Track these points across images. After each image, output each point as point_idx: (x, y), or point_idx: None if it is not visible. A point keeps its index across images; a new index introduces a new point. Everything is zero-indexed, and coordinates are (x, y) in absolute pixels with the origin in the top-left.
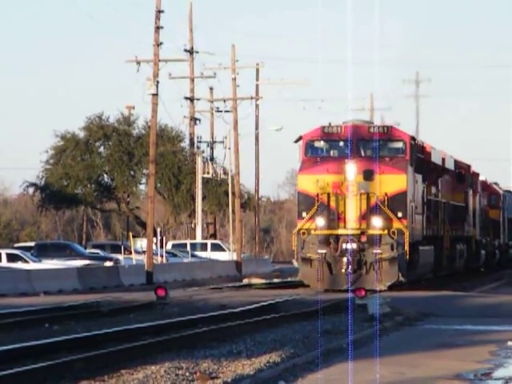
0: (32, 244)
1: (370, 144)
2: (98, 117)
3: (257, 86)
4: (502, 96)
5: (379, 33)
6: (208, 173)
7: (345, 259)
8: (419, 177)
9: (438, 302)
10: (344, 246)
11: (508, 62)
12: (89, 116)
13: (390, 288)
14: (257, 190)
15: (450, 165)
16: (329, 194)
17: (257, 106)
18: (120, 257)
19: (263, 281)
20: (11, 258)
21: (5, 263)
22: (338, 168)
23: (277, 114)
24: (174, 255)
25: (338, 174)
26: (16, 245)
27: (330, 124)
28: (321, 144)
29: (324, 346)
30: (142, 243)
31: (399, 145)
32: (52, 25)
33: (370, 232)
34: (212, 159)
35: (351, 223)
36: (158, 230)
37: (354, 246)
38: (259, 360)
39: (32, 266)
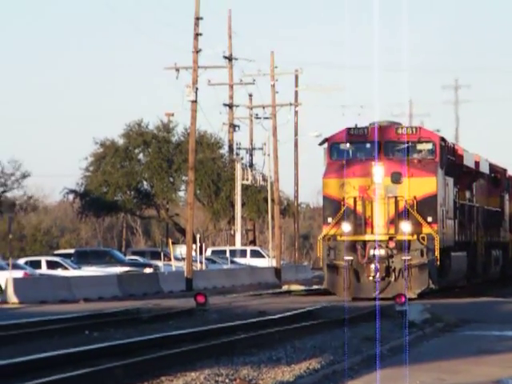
0: (72, 251)
1: (397, 146)
2: (137, 124)
3: (296, 92)
4: None
5: (419, 38)
6: (247, 179)
7: (372, 266)
8: (450, 180)
9: (477, 309)
10: (371, 252)
11: None
12: (128, 123)
13: (422, 296)
14: (296, 197)
15: (484, 168)
16: (355, 198)
17: (296, 112)
18: (160, 263)
19: (302, 287)
20: (51, 265)
21: (45, 270)
22: (364, 171)
23: (316, 121)
24: (214, 262)
25: (364, 177)
26: (56, 252)
27: (356, 126)
28: (346, 146)
29: (364, 353)
30: (181, 250)
31: (428, 146)
32: (92, 32)
33: (399, 237)
34: (251, 166)
35: (379, 228)
36: (198, 236)
37: (382, 252)
38: (299, 367)
39: (72, 272)
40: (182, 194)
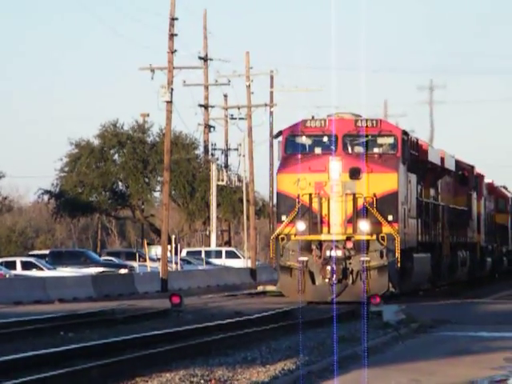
0: (47, 252)
1: (357, 139)
2: (112, 124)
3: (271, 93)
4: None
5: (396, 40)
6: (222, 180)
7: (329, 268)
8: (413, 176)
9: (451, 310)
10: (328, 253)
11: None
12: (103, 124)
13: (391, 298)
14: (271, 197)
15: (450, 165)
16: (311, 195)
17: (271, 113)
18: (135, 264)
19: None
20: (26, 265)
21: (20, 271)
22: (321, 166)
23: (291, 121)
24: (189, 262)
25: (321, 173)
26: (31, 252)
27: (312, 117)
28: (302, 140)
29: (339, 353)
30: (156, 250)
31: (390, 140)
32: (66, 32)
33: (357, 237)
34: (226, 166)
35: (336, 228)
36: (173, 237)
37: (339, 252)
38: (274, 367)
39: (47, 273)
40: (157, 194)
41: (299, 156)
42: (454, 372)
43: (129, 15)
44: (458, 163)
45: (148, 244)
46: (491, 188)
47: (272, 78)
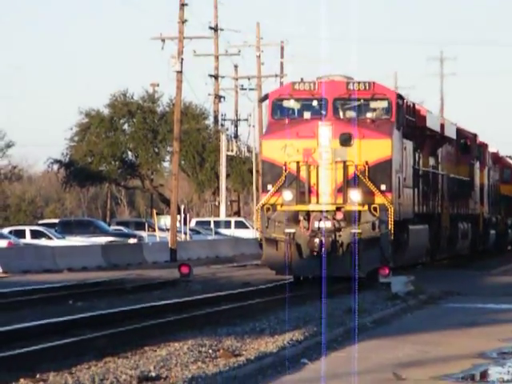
0: (56, 221)
1: (348, 103)
2: (122, 94)
3: (281, 63)
4: None
5: (404, 10)
6: (232, 150)
7: (317, 240)
8: (409, 143)
9: (459, 281)
10: (316, 224)
11: None
12: (113, 93)
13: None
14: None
15: (451, 133)
16: (298, 163)
17: (281, 83)
18: (144, 234)
19: None
20: (35, 234)
21: (29, 240)
22: (310, 131)
23: None
24: (198, 232)
25: (309, 139)
26: (40, 222)
27: (301, 80)
28: (290, 104)
29: (347, 324)
30: (165, 220)
31: (383, 104)
32: (75, 1)
33: (348, 208)
34: (236, 137)
35: (325, 197)
36: (182, 207)
37: (328, 224)
38: (282, 338)
39: (56, 242)
40: (166, 164)
41: (286, 121)
42: (462, 343)
43: None
44: (459, 131)
45: (157, 214)
46: (496, 158)
47: (282, 48)
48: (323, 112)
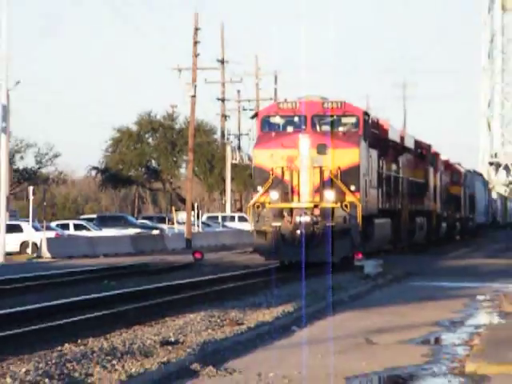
0: (94, 216)
1: (324, 119)
2: (147, 114)
3: (275, 89)
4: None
5: (376, 45)
6: (236, 159)
7: (298, 231)
8: (374, 152)
9: (419, 264)
10: (298, 218)
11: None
12: (140, 113)
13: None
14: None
15: (409, 144)
16: (283, 168)
17: None
18: (165, 226)
19: None
20: (77, 227)
21: (72, 231)
22: (292, 142)
23: None
24: (208, 225)
25: (292, 149)
26: (81, 217)
27: (285, 100)
28: (276, 120)
29: (330, 299)
30: (182, 216)
31: (352, 120)
32: (111, 33)
33: (323, 205)
34: (239, 148)
35: (305, 197)
36: (195, 205)
37: (308, 219)
38: (276, 310)
39: (94, 233)
40: (183, 170)
41: (273, 134)
42: (422, 314)
43: (162, 23)
44: (416, 142)
45: (175, 210)
46: (447, 164)
47: (276, 77)
48: (303, 126)
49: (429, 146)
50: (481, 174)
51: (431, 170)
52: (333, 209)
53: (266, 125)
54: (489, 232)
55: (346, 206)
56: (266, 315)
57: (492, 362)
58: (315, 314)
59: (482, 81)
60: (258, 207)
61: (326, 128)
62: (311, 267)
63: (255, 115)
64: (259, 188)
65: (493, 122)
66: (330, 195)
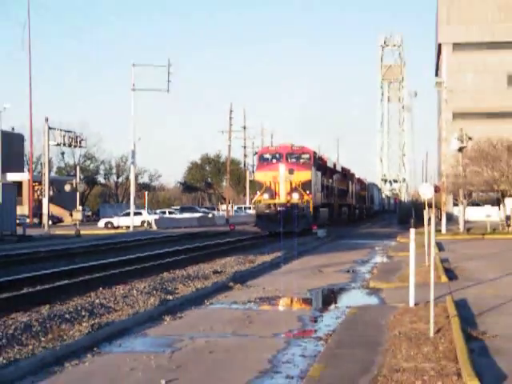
0: (178, 207)
1: (292, 155)
2: (205, 154)
3: (271, 142)
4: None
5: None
6: (251, 178)
7: (279, 215)
8: (319, 173)
9: (345, 232)
10: (279, 208)
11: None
12: (202, 154)
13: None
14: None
15: (339, 168)
16: (270, 182)
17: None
18: (215, 212)
19: None
20: (170, 213)
21: (167, 215)
22: (275, 168)
23: None
24: (237, 212)
25: (275, 171)
26: (172, 207)
27: (271, 145)
28: (267, 155)
29: (299, 249)
30: (223, 207)
31: (307, 156)
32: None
33: (292, 201)
34: (253, 172)
35: (282, 197)
36: (231, 201)
37: (284, 208)
38: (272, 255)
39: (178, 216)
40: (224, 183)
41: (265, 163)
42: (347, 257)
43: (217, 109)
44: (343, 168)
45: (220, 204)
46: (358, 179)
47: (272, 135)
48: (281, 159)
49: (349, 170)
50: (376, 185)
51: (350, 182)
52: (297, 203)
53: (261, 158)
54: (380, 215)
55: (303, 202)
56: (267, 258)
57: (382, 281)
58: (291, 257)
59: (377, 136)
60: (257, 202)
61: (294, 160)
62: (287, 234)
63: (256, 153)
64: (258, 192)
65: (383, 159)
66: (295, 196)
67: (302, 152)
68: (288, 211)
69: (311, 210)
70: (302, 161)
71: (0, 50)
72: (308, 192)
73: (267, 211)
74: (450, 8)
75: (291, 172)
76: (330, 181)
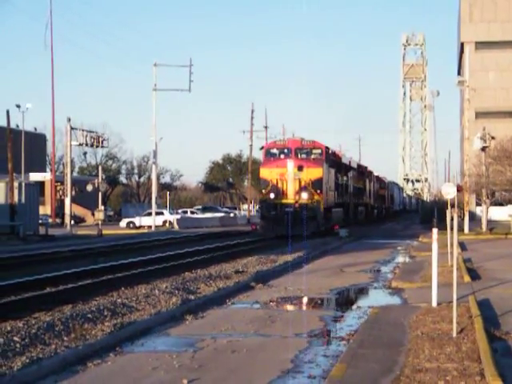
0: (200, 207)
1: (302, 150)
2: (227, 154)
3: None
4: None
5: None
6: None
7: (286, 216)
8: (332, 170)
9: (368, 230)
10: (286, 209)
11: None
12: (224, 153)
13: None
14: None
15: (354, 165)
16: (277, 179)
17: None
18: (236, 212)
19: None
20: (192, 212)
21: (189, 214)
22: (283, 164)
23: None
24: (258, 211)
25: (283, 168)
26: (194, 207)
27: (279, 139)
28: (274, 150)
29: (321, 249)
30: (245, 206)
31: (319, 151)
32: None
33: (301, 201)
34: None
35: (290, 196)
36: (252, 201)
37: (292, 209)
38: (294, 255)
39: (200, 216)
40: (245, 183)
41: (272, 159)
42: (370, 256)
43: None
44: (359, 164)
45: (242, 204)
46: (377, 177)
47: (293, 134)
48: (289, 155)
49: (366, 167)
50: (397, 184)
51: (367, 180)
52: (306, 204)
53: (268, 153)
54: (402, 215)
55: (314, 202)
56: (289, 257)
57: (405, 281)
58: (313, 256)
59: (399, 135)
60: (263, 202)
61: (303, 156)
62: (291, 237)
63: (262, 147)
64: (263, 191)
65: (405, 158)
66: (304, 195)
67: (312, 147)
68: (296, 212)
69: (321, 211)
70: (312, 156)
71: (23, 51)
72: (319, 191)
73: (273, 212)
74: (472, 6)
75: (300, 169)
76: (345, 178)
